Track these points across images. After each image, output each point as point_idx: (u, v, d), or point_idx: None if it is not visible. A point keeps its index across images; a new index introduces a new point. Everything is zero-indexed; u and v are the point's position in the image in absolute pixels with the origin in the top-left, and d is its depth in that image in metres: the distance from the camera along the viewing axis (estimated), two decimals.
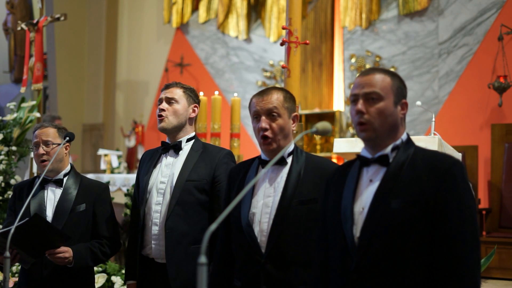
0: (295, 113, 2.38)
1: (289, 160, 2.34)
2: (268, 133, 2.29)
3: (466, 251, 1.77)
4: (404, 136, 1.93)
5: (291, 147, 2.36)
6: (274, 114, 2.30)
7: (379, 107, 1.87)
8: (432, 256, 1.79)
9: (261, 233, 2.28)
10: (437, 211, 1.79)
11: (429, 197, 1.80)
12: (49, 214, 2.90)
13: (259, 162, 2.39)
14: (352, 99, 1.92)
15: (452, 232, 1.78)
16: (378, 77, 1.90)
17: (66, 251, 2.77)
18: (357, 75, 1.91)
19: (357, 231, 1.87)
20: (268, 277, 2.24)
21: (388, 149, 1.90)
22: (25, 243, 2.68)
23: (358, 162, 1.96)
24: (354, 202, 1.90)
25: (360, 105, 1.88)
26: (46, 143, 2.92)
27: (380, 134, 1.88)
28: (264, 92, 2.36)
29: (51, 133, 2.95)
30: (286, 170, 2.32)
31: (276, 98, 2.31)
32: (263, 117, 2.30)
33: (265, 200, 2.31)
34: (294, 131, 2.41)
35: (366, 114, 1.87)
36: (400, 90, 1.92)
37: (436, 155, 1.89)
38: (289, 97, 2.37)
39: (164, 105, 2.82)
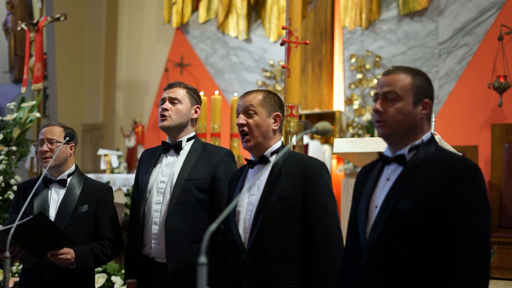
0: (277, 113, 2.44)
1: (272, 158, 2.39)
2: (244, 128, 2.40)
3: (470, 257, 1.71)
4: (425, 136, 1.91)
5: (275, 146, 2.42)
6: (250, 111, 2.40)
7: (397, 107, 1.88)
8: (437, 261, 1.76)
9: (245, 230, 2.34)
10: (444, 215, 1.75)
11: (436, 200, 1.77)
12: (52, 214, 2.90)
13: (248, 163, 2.47)
14: (374, 98, 1.95)
15: (456, 239, 1.73)
16: (399, 77, 1.90)
17: (68, 253, 2.77)
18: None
19: (369, 228, 1.88)
20: (249, 273, 2.29)
21: (406, 149, 1.90)
22: (28, 242, 2.68)
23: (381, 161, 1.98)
24: (371, 200, 1.92)
25: (378, 104, 1.90)
26: (51, 141, 2.93)
27: (395, 132, 1.89)
28: (247, 92, 2.49)
29: (56, 132, 2.96)
30: (268, 168, 2.37)
31: (254, 97, 2.43)
32: (241, 115, 2.43)
33: (250, 198, 2.37)
34: (277, 130, 2.45)
35: (384, 113, 1.89)
36: (421, 89, 1.90)
37: (452, 157, 1.85)
38: (271, 98, 2.44)
39: (168, 104, 2.82)
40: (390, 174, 1.91)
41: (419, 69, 1.97)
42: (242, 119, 2.40)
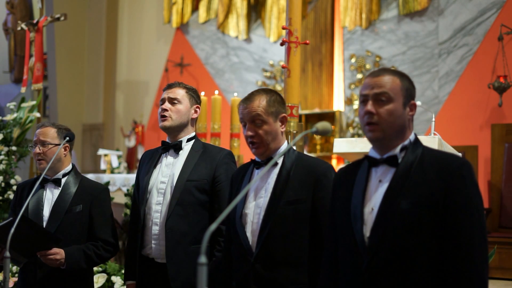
0: (283, 114, 2.38)
1: (280, 160, 2.35)
2: (254, 140, 2.32)
3: (474, 251, 1.78)
4: (412, 137, 1.94)
5: (282, 148, 2.38)
6: (258, 121, 2.31)
7: (389, 109, 1.87)
8: (442, 255, 1.80)
9: (253, 233, 2.31)
10: (446, 212, 1.80)
11: (438, 198, 1.80)
12: (46, 213, 2.91)
13: (254, 164, 2.42)
14: (362, 100, 1.93)
15: (461, 233, 1.79)
16: (388, 79, 1.90)
17: (57, 253, 2.76)
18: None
19: (367, 231, 1.87)
20: (257, 277, 2.26)
21: (396, 150, 1.90)
22: (16, 243, 2.66)
23: (367, 162, 1.96)
24: (364, 202, 1.91)
25: (369, 106, 1.88)
26: (43, 143, 2.93)
27: (387, 135, 1.89)
28: (248, 98, 2.37)
29: (50, 134, 2.95)
30: (276, 171, 2.34)
31: (258, 105, 2.32)
32: (248, 125, 2.33)
33: (257, 201, 2.34)
34: (284, 131, 2.42)
35: (376, 115, 1.87)
36: (409, 91, 1.92)
37: (444, 155, 1.90)
38: (274, 100, 2.35)
39: (167, 105, 2.82)
40: (382, 176, 1.91)
41: (402, 72, 1.99)
42: (251, 130, 2.32)
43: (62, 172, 2.99)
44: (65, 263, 2.79)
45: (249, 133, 2.32)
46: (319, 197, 2.27)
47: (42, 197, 2.94)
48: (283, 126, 2.38)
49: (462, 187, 1.81)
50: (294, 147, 3.21)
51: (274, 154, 2.36)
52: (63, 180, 2.98)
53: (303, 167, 2.33)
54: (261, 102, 2.33)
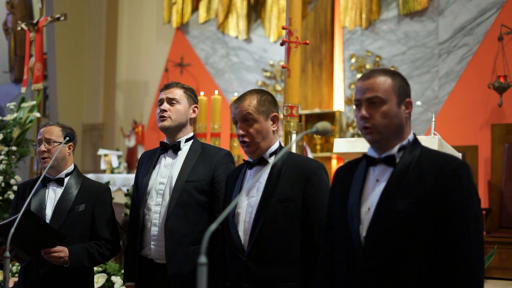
0: (274, 114, 2.42)
1: (271, 160, 2.38)
2: (245, 139, 2.36)
3: (470, 252, 1.78)
4: (411, 137, 1.94)
5: (274, 147, 2.41)
6: (249, 120, 2.36)
7: (383, 111, 1.88)
8: (437, 256, 1.81)
9: (245, 232, 2.33)
10: (443, 212, 1.80)
11: (434, 199, 1.81)
12: (49, 213, 2.91)
13: (246, 165, 2.45)
14: (356, 104, 1.94)
15: (457, 233, 1.79)
16: (379, 80, 1.90)
17: (61, 251, 2.77)
18: (359, 77, 1.92)
19: (363, 230, 1.88)
20: (249, 275, 2.29)
21: (394, 150, 1.91)
22: (20, 240, 2.67)
23: (365, 162, 1.97)
24: (361, 202, 1.91)
25: (363, 111, 1.89)
26: (48, 141, 2.95)
27: (385, 136, 1.89)
28: (239, 98, 2.42)
29: (54, 132, 2.97)
30: (267, 170, 2.36)
31: (249, 104, 2.37)
32: (239, 124, 2.38)
33: (249, 200, 2.37)
34: (276, 130, 2.45)
35: (371, 119, 1.88)
36: (402, 89, 1.92)
37: (442, 156, 1.90)
38: (265, 99, 2.40)
39: (166, 105, 2.82)
40: (379, 175, 1.91)
41: (394, 70, 2.00)
42: (242, 129, 2.37)
43: (65, 172, 3.00)
44: (68, 261, 2.80)
45: (240, 131, 2.37)
46: (309, 195, 2.30)
47: (44, 196, 2.95)
48: (274, 125, 2.42)
49: (459, 188, 1.81)
50: (294, 147, 3.22)
51: (265, 153, 2.39)
52: (66, 180, 2.99)
53: (294, 165, 2.35)
54: (251, 102, 2.38)
